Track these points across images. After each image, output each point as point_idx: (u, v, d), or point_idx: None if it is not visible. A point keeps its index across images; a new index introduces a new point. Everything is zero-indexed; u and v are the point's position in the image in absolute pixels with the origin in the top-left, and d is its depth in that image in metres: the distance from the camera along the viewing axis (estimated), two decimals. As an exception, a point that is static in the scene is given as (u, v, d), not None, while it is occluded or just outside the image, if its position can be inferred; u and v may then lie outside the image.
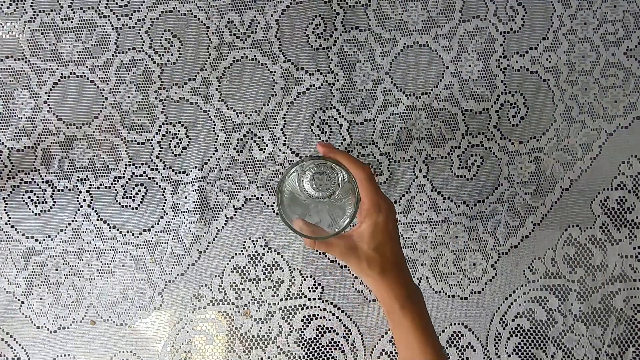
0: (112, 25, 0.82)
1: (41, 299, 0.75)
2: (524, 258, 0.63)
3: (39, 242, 0.76)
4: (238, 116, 0.78)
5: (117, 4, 0.83)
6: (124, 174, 0.75)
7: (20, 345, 0.75)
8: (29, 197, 0.76)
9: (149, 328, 0.73)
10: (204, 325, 0.71)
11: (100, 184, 0.75)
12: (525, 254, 0.63)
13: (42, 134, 0.77)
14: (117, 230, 0.75)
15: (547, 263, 0.62)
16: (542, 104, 0.75)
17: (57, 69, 0.80)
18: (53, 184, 0.76)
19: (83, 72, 0.79)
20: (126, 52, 0.81)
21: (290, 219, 0.57)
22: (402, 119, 0.74)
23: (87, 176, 0.76)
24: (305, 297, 0.72)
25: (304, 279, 0.73)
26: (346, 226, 0.57)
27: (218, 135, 0.76)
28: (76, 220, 0.75)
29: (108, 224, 0.74)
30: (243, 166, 0.75)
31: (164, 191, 0.74)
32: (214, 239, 0.73)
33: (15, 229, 0.76)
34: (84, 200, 0.76)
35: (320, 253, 0.71)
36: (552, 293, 0.58)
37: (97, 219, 0.75)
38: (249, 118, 0.77)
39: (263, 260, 0.73)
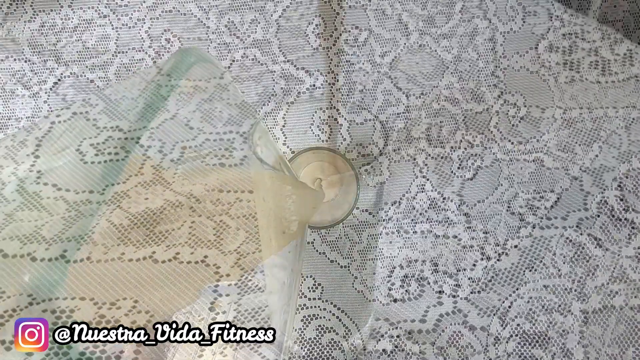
0: (112, 25, 0.82)
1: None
2: (524, 258, 0.63)
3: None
4: (238, 116, 0.78)
5: (117, 3, 0.83)
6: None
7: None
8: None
9: None
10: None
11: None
12: (526, 254, 0.63)
13: (42, 134, 0.77)
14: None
15: (547, 263, 0.62)
16: (542, 104, 0.75)
17: (57, 68, 0.80)
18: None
19: (83, 72, 0.79)
20: (126, 52, 0.81)
21: None
22: (402, 119, 0.74)
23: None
24: (305, 297, 0.72)
25: (304, 279, 0.73)
26: (348, 214, 0.56)
27: (218, 135, 0.76)
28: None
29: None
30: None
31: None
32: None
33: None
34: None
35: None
36: (552, 293, 0.58)
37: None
38: (249, 118, 0.77)
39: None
